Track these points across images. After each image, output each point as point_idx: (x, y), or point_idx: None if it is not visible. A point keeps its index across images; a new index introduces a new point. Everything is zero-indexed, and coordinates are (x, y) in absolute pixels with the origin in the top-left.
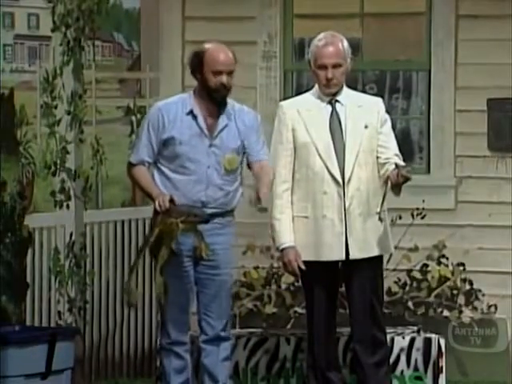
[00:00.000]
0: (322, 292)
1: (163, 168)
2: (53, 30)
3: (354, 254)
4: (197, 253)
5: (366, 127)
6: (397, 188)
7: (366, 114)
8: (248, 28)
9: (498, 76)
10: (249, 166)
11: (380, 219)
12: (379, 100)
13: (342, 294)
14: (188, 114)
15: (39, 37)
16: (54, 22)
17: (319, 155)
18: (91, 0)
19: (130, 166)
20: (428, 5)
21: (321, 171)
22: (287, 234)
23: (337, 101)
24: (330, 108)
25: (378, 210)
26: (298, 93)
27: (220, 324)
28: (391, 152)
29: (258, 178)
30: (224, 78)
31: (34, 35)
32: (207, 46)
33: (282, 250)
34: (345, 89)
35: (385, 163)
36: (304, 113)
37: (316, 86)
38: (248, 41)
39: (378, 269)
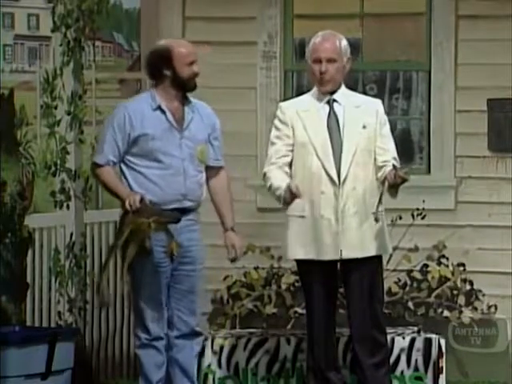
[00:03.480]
0: (321, 292)
1: (135, 166)
2: (53, 31)
3: (349, 254)
4: (168, 251)
5: (364, 127)
6: (393, 189)
7: (364, 115)
8: (248, 28)
9: (498, 76)
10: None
11: (376, 219)
12: (378, 101)
13: (341, 294)
14: (155, 109)
15: (39, 37)
16: (54, 23)
17: (317, 155)
18: (91, 0)
19: (96, 166)
20: (428, 5)
21: (318, 171)
22: (281, 179)
23: (334, 100)
24: (327, 108)
25: (374, 210)
26: (298, 93)
27: (193, 319)
28: (389, 155)
29: (220, 203)
30: (195, 67)
31: (34, 35)
32: (166, 43)
33: (284, 191)
34: (343, 89)
35: (382, 166)
36: (302, 113)
37: (315, 87)
38: (248, 41)
39: (377, 269)
